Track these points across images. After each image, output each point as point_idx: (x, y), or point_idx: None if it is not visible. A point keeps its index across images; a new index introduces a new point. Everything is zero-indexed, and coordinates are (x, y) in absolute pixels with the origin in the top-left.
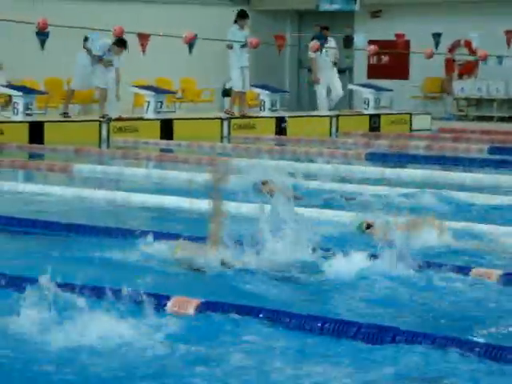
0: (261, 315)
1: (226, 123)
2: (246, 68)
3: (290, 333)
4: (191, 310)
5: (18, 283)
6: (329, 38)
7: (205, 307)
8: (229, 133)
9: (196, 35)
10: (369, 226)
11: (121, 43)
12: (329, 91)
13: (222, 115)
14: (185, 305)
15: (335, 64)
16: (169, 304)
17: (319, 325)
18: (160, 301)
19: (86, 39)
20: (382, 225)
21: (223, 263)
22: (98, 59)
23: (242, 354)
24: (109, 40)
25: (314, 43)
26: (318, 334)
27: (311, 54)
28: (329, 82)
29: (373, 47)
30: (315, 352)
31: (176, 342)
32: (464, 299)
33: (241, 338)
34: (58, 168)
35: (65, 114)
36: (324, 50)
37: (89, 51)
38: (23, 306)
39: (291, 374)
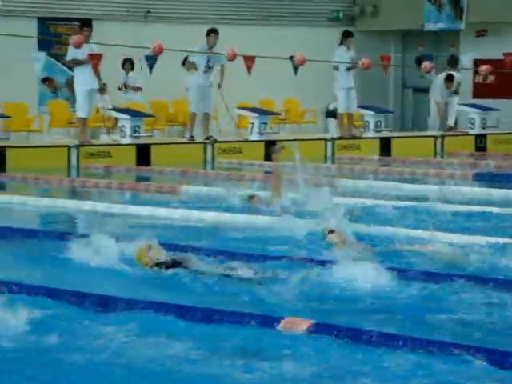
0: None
1: (329, 144)
2: (351, 89)
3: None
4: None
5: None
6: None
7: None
8: (332, 153)
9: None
10: (330, 232)
11: (214, 31)
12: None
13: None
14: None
15: (455, 92)
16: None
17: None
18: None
19: (185, 59)
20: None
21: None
22: (205, 65)
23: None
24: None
25: (426, 64)
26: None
27: (426, 76)
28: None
29: (486, 67)
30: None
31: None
32: None
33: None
34: (166, 190)
35: (191, 138)
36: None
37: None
38: None
39: None
